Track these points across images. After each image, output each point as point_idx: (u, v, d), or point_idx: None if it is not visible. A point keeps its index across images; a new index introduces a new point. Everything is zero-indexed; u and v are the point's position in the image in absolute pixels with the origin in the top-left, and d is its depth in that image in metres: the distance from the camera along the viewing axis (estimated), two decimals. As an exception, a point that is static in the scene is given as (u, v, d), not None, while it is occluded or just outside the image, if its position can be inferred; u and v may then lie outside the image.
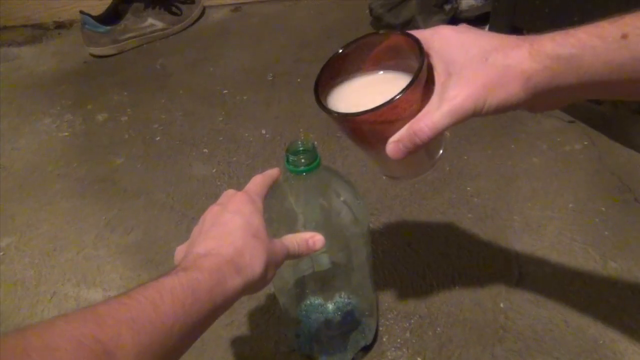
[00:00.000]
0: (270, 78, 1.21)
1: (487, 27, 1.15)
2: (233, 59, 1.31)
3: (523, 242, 0.75)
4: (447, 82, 0.40)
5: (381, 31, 0.45)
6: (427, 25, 1.16)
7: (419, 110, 0.41)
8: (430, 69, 0.42)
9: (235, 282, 0.39)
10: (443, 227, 0.80)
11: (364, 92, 0.46)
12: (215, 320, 0.39)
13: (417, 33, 0.42)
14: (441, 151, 0.49)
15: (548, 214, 0.79)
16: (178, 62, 1.33)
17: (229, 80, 1.22)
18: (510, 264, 0.73)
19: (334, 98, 0.46)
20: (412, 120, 0.41)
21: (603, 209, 0.79)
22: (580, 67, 0.36)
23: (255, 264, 0.41)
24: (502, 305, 0.68)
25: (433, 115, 0.39)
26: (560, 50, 0.37)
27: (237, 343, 0.67)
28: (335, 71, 0.47)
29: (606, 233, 0.75)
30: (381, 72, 0.47)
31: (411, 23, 1.20)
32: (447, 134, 0.44)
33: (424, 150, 0.43)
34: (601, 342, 0.62)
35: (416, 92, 0.41)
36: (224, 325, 0.69)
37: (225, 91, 1.19)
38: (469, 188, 0.85)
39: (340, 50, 0.46)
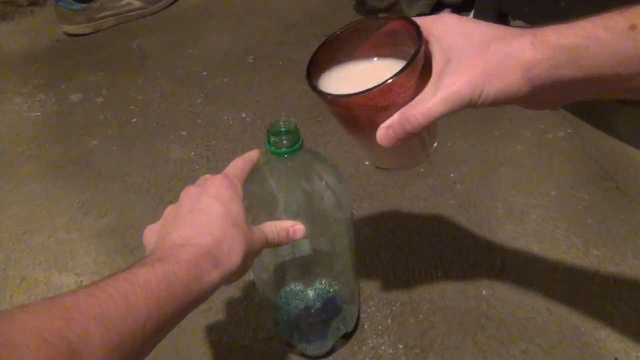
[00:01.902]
0: (252, 61, 1.18)
1: (472, 13, 1.14)
2: (213, 41, 1.28)
3: (506, 230, 0.75)
4: (445, 69, 0.38)
5: (381, 15, 0.43)
6: (411, 10, 1.15)
7: (413, 97, 0.40)
8: (428, 57, 0.40)
9: (212, 275, 0.38)
10: (426, 214, 0.79)
11: (357, 77, 0.44)
12: (188, 314, 0.37)
13: (418, 19, 0.41)
14: (435, 144, 0.47)
15: (531, 201, 0.79)
16: (156, 43, 1.29)
17: (209, 63, 1.19)
18: (493, 251, 0.72)
19: (325, 82, 0.45)
20: (406, 107, 0.39)
21: (586, 196, 0.78)
22: (584, 59, 0.35)
23: (233, 256, 0.39)
24: (484, 292, 0.67)
25: (427, 102, 0.38)
26: (565, 40, 0.35)
27: (215, 330, 0.66)
28: (331, 53, 0.45)
29: (589, 221, 0.75)
30: (376, 58, 0.45)
31: (395, 7, 1.18)
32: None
33: (416, 140, 0.42)
34: (583, 329, 0.62)
35: (411, 78, 0.39)
36: (202, 311, 0.67)
37: (205, 73, 1.16)
38: (452, 175, 0.84)
39: (338, 32, 0.44)
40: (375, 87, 0.38)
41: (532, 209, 0.77)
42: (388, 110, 0.40)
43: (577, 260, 0.70)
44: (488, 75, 0.37)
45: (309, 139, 0.93)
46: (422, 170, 0.85)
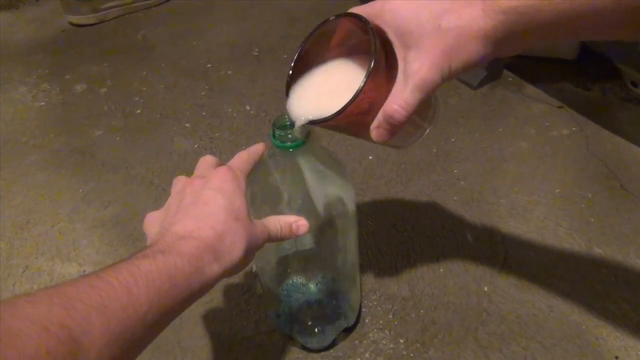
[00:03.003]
0: (256, 53, 1.18)
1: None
2: (218, 33, 1.27)
3: (509, 226, 0.75)
4: (407, 55, 0.38)
5: (331, 17, 0.43)
6: None
7: (389, 90, 0.40)
8: (388, 45, 0.40)
9: (213, 268, 0.38)
10: (429, 209, 0.78)
11: (323, 85, 0.45)
12: (188, 307, 0.37)
13: (367, 8, 0.40)
14: (432, 112, 0.47)
15: (534, 198, 0.78)
16: (161, 34, 1.29)
17: (214, 55, 1.19)
18: (496, 247, 0.72)
19: (295, 95, 0.45)
20: (385, 104, 0.40)
21: (589, 195, 0.78)
22: (537, 16, 0.34)
23: (234, 250, 0.39)
24: (486, 288, 0.67)
25: (402, 94, 0.38)
26: (515, 2, 0.35)
27: (216, 321, 0.66)
28: (301, 71, 0.45)
29: (592, 219, 0.75)
30: (336, 60, 0.45)
31: None
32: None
33: (409, 123, 0.42)
34: (584, 327, 0.62)
35: (378, 77, 0.39)
36: (203, 303, 0.67)
37: (209, 65, 1.15)
38: (455, 171, 0.84)
39: (299, 50, 0.44)
40: (349, 102, 0.38)
41: (535, 206, 0.77)
42: (370, 111, 0.40)
43: (579, 258, 0.70)
44: (449, 53, 0.37)
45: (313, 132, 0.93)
46: (425, 165, 0.85)
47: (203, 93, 1.07)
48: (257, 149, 0.50)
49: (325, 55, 0.45)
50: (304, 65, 0.45)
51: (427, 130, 0.48)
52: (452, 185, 0.82)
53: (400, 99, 0.38)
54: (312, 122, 0.41)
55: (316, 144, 0.50)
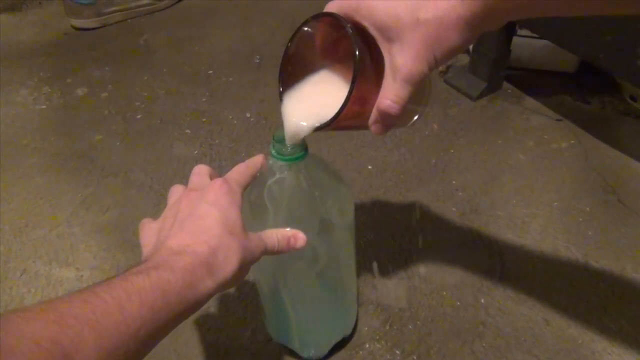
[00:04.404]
0: (258, 61, 1.19)
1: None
2: (220, 39, 1.28)
3: (506, 239, 0.75)
4: (392, 48, 0.39)
5: (309, 19, 0.43)
6: None
7: (379, 85, 0.40)
8: (371, 40, 0.40)
9: (206, 284, 0.38)
10: (427, 219, 0.79)
11: (315, 94, 0.45)
12: (183, 322, 0.37)
13: (342, 4, 0.40)
14: (426, 93, 0.47)
15: (532, 211, 0.79)
16: (163, 40, 1.30)
17: (215, 61, 1.19)
18: (493, 259, 0.72)
19: (289, 107, 0.45)
20: (378, 100, 0.41)
21: (587, 208, 0.78)
22: None
23: (227, 265, 0.39)
24: (483, 301, 0.67)
25: (393, 89, 0.39)
26: None
27: (213, 330, 0.66)
28: (292, 76, 0.45)
29: (589, 233, 0.75)
30: (324, 66, 0.46)
31: None
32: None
33: (404, 113, 0.42)
34: (580, 341, 0.62)
35: (365, 75, 0.39)
36: (201, 310, 0.67)
37: (211, 72, 1.16)
38: (454, 182, 0.85)
39: (283, 55, 0.44)
40: (342, 108, 0.39)
41: (533, 218, 0.77)
42: (365, 109, 0.41)
43: (576, 271, 0.70)
44: (431, 45, 0.37)
45: (311, 142, 0.93)
46: (424, 176, 0.85)
47: (204, 99, 1.07)
48: (256, 161, 0.49)
49: (313, 57, 0.45)
50: (293, 68, 0.45)
51: (426, 109, 0.48)
52: (450, 196, 0.82)
53: (391, 93, 0.39)
54: (315, 129, 0.42)
55: (315, 156, 0.50)
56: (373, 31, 0.39)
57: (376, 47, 0.40)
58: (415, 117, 0.49)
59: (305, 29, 0.43)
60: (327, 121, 0.40)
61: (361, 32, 0.39)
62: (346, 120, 0.40)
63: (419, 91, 0.43)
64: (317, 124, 0.41)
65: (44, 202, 0.86)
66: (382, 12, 0.38)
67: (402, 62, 0.38)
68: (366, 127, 0.43)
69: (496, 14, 0.36)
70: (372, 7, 0.38)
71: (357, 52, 0.38)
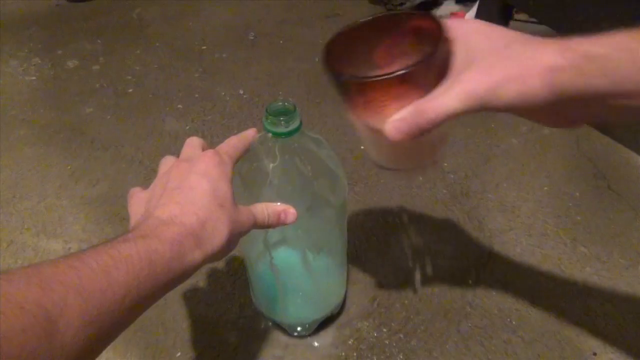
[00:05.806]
0: (252, 37, 1.17)
1: (475, 5, 1.13)
2: (214, 15, 1.26)
3: (496, 221, 0.75)
4: (463, 69, 0.36)
5: (402, 12, 0.41)
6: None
7: (426, 91, 0.37)
8: (449, 56, 0.38)
9: (194, 255, 0.37)
10: (418, 201, 0.79)
11: None
12: (168, 292, 0.37)
13: (445, 22, 0.38)
14: (441, 150, 0.45)
15: (522, 195, 0.79)
16: (156, 14, 1.28)
17: (209, 36, 1.18)
18: (482, 242, 0.72)
19: None
20: (420, 100, 0.37)
21: (577, 194, 0.79)
22: (614, 69, 0.32)
23: (216, 237, 0.39)
24: (470, 282, 0.68)
25: (443, 97, 0.36)
26: (593, 48, 0.33)
27: (201, 304, 0.66)
28: (348, 48, 0.42)
29: (578, 218, 0.75)
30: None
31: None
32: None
33: (425, 139, 0.39)
34: (565, 323, 0.63)
35: (430, 70, 0.37)
36: (189, 284, 0.67)
37: (204, 47, 1.14)
38: (445, 164, 0.85)
39: (354, 26, 0.41)
40: (394, 73, 0.35)
41: (523, 202, 0.78)
42: (401, 100, 0.38)
43: (564, 255, 0.71)
44: (505, 77, 0.34)
45: (306, 120, 0.92)
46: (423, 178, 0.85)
47: (197, 75, 1.06)
48: (248, 134, 0.49)
49: (375, 50, 0.42)
50: (350, 40, 0.41)
51: (428, 165, 0.46)
52: (441, 178, 0.82)
53: (437, 100, 0.36)
54: (347, 80, 0.38)
55: (308, 132, 0.49)
56: (459, 50, 0.37)
57: (449, 66, 0.37)
58: (419, 161, 0.46)
59: (396, 18, 0.41)
60: (371, 75, 0.36)
61: (449, 43, 0.37)
62: (382, 90, 0.37)
63: (444, 135, 0.42)
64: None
65: (32, 173, 0.85)
66: (480, 35, 0.37)
67: (467, 78, 0.35)
68: (382, 126, 0.39)
69: (579, 87, 0.33)
70: (474, 29, 0.37)
71: (442, 40, 0.36)
